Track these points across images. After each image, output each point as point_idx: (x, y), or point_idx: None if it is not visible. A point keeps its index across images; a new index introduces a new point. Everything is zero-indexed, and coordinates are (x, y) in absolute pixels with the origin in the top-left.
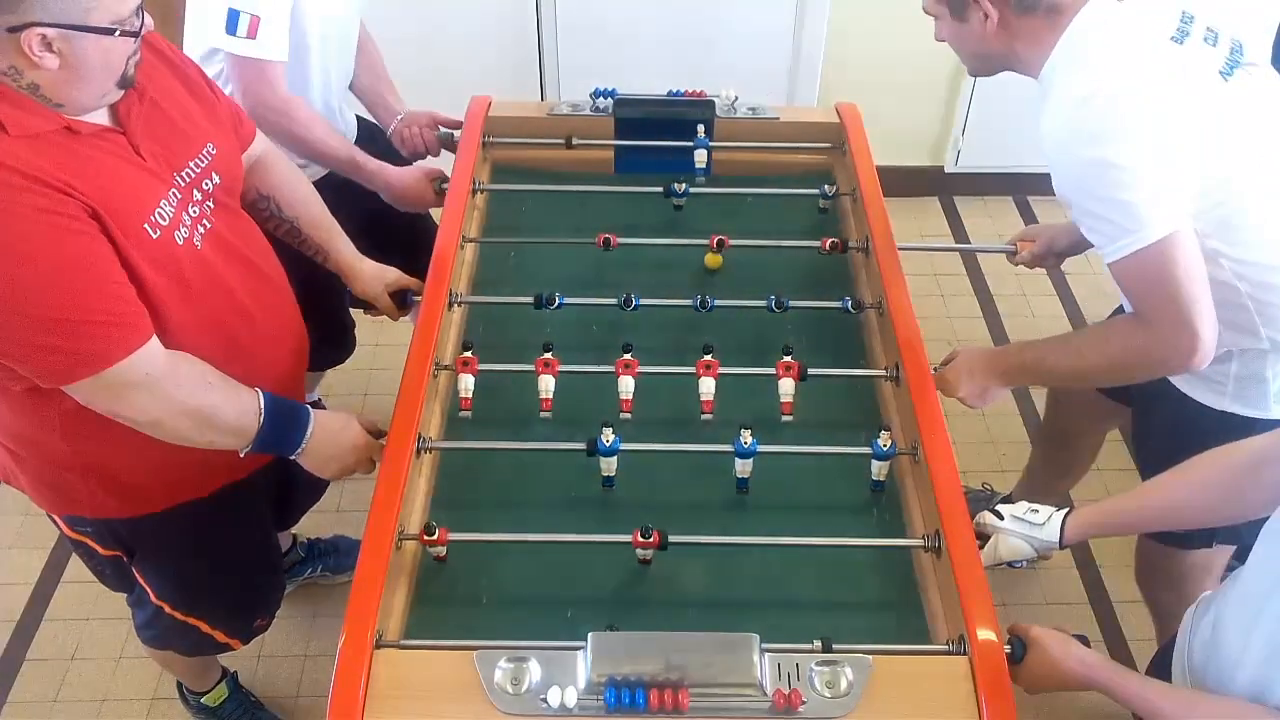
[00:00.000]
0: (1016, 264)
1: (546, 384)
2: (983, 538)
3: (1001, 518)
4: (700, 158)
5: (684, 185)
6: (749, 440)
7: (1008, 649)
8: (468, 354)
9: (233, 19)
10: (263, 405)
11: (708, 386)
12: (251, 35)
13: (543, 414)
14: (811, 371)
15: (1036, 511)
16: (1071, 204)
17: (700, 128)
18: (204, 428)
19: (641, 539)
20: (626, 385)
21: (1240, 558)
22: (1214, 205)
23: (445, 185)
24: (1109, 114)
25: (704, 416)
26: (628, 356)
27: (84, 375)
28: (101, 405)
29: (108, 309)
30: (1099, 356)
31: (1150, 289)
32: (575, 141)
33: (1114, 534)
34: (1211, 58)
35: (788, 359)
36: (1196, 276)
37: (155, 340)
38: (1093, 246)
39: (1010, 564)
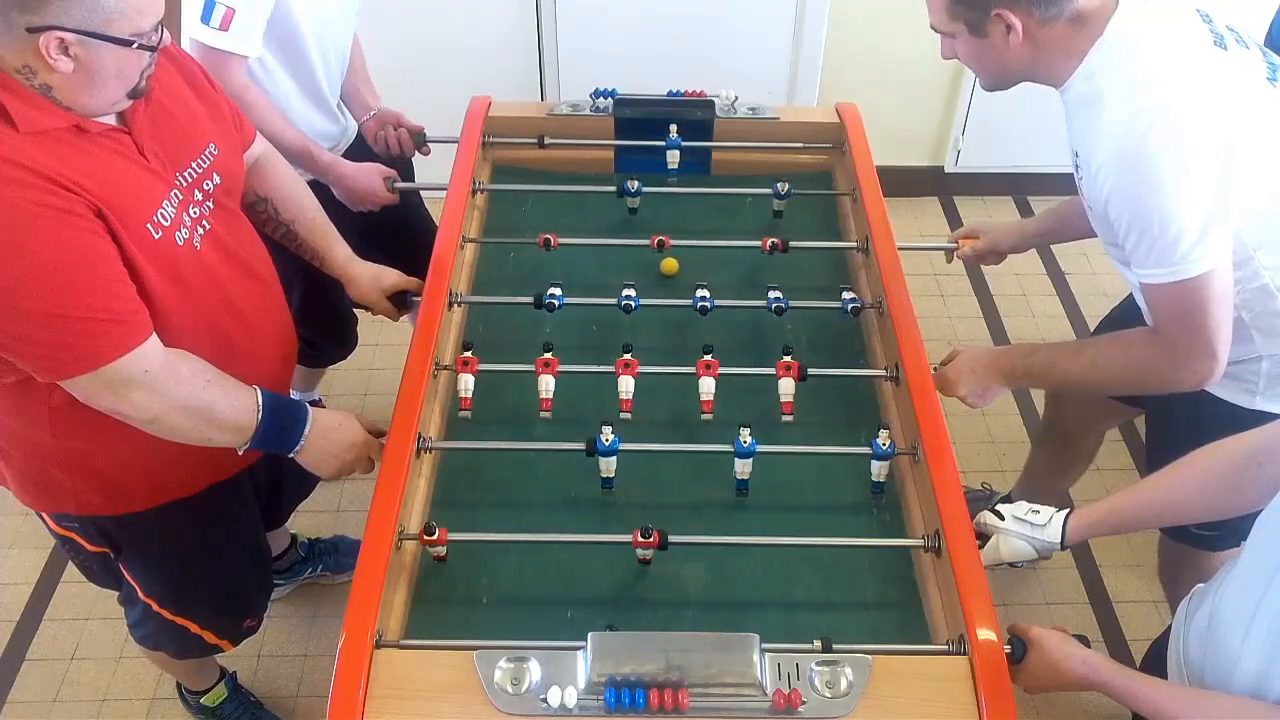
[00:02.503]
0: (952, 260)
1: (546, 384)
2: (983, 538)
3: (1002, 518)
4: (673, 158)
5: (636, 184)
6: (749, 440)
7: (1008, 649)
8: (468, 354)
9: (208, 8)
10: (261, 403)
11: (708, 386)
12: (224, 27)
13: (543, 414)
14: (811, 371)
15: (1038, 512)
16: (1115, 218)
17: (673, 128)
18: (202, 425)
19: (641, 539)
20: (626, 385)
21: None
22: (1263, 218)
23: (396, 184)
24: (1174, 140)
25: (704, 416)
26: (628, 357)
27: (82, 371)
28: (100, 402)
29: (108, 306)
30: (1114, 370)
31: (1180, 316)
32: (548, 141)
33: (1116, 533)
34: (1254, 63)
35: (788, 359)
36: (1226, 307)
37: (154, 338)
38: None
39: (1011, 564)
